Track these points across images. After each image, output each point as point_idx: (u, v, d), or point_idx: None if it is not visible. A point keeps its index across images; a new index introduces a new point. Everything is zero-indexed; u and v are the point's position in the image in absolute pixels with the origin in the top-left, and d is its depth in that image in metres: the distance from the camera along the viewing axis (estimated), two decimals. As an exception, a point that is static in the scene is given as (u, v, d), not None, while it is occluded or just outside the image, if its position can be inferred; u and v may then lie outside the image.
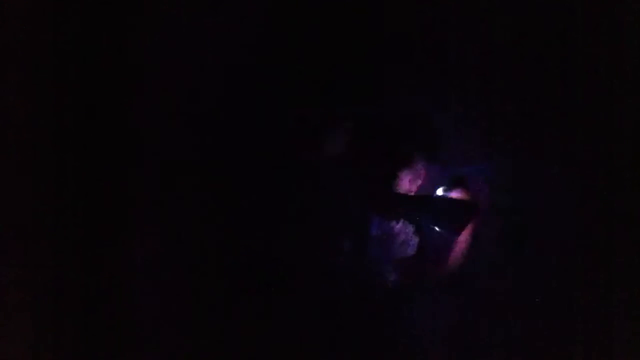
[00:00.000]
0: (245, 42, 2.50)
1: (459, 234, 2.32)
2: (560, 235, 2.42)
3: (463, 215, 2.33)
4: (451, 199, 2.34)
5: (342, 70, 2.46)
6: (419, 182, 2.41)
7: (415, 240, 2.38)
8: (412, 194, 2.41)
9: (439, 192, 2.37)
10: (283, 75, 2.48)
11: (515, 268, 2.45)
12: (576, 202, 2.39)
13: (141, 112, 2.54)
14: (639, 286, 2.35)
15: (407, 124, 2.43)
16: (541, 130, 2.45)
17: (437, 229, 2.34)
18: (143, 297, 2.53)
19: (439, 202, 2.35)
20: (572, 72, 2.43)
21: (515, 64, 2.49)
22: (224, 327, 2.54)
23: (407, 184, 2.42)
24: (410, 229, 2.37)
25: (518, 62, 2.48)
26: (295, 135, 2.46)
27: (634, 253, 2.34)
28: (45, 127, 2.48)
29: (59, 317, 2.48)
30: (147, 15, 2.55)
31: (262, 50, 2.50)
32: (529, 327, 2.45)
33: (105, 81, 2.52)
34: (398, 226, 2.37)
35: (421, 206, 2.38)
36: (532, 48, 2.47)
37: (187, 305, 2.54)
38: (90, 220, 2.51)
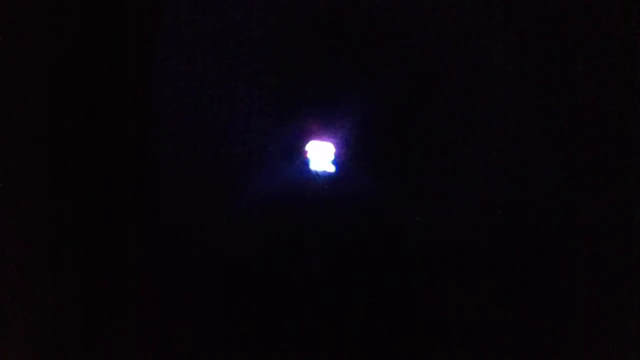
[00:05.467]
0: None
1: None
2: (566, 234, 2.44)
3: None
4: None
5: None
6: None
7: None
8: None
9: None
10: None
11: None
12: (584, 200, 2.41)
13: (144, 111, 2.55)
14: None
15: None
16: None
17: None
18: (145, 298, 2.53)
19: None
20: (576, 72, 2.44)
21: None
22: (225, 329, 2.54)
23: None
24: None
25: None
26: None
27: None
28: (46, 127, 2.48)
29: (59, 318, 2.49)
30: (150, 14, 2.55)
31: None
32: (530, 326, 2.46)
33: (107, 81, 2.52)
34: None
35: None
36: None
37: (189, 306, 2.54)
38: (92, 220, 2.51)
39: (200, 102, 2.56)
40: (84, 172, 2.51)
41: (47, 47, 2.49)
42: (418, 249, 2.51)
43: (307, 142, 2.55)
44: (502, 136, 2.49)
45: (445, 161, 2.51)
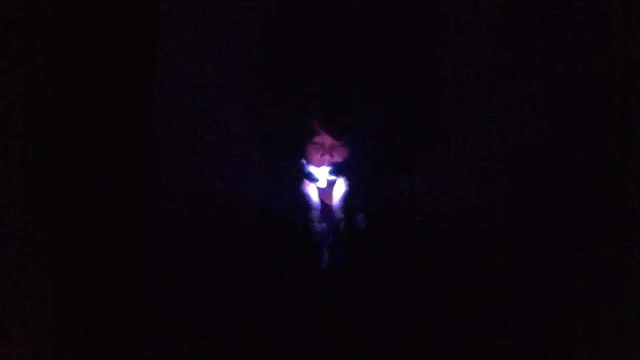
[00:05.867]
0: None
1: None
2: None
3: None
4: None
5: None
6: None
7: None
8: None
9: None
10: None
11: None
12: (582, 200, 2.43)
13: (144, 111, 2.55)
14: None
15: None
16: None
17: None
18: (146, 298, 2.53)
19: None
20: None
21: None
22: (225, 329, 2.55)
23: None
24: None
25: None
26: None
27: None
28: (46, 127, 2.49)
29: (59, 318, 2.49)
30: (150, 14, 2.55)
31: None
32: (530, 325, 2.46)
33: (106, 81, 2.53)
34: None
35: None
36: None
37: (189, 306, 2.54)
38: (91, 220, 2.51)
39: (200, 102, 2.57)
40: (84, 172, 2.51)
41: (47, 47, 2.49)
42: (418, 248, 2.51)
43: (306, 141, 2.56)
44: (502, 136, 2.49)
45: (445, 161, 2.52)
